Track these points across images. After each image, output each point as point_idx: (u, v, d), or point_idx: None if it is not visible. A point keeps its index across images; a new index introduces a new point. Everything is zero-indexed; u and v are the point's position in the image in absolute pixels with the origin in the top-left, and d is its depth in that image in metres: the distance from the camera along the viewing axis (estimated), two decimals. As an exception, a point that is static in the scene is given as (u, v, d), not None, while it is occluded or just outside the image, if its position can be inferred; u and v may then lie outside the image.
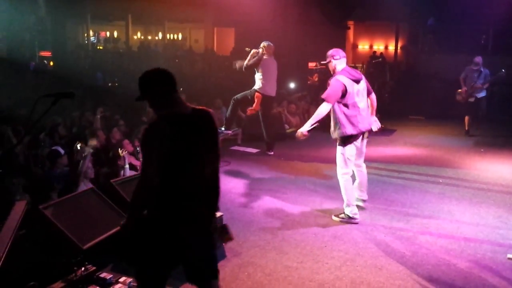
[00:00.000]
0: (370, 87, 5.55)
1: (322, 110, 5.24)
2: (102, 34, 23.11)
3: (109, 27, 22.81)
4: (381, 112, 11.27)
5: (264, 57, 8.26)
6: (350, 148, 5.39)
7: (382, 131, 10.84)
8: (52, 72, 15.10)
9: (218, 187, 3.15)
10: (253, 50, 8.36)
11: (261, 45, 8.36)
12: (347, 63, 5.47)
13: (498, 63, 11.71)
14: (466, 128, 10.74)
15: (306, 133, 5.44)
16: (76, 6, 17.16)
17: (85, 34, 21.13)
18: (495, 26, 16.38)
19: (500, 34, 16.65)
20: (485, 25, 16.38)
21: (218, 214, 4.86)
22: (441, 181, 7.17)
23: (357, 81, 5.26)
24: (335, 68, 5.38)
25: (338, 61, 5.35)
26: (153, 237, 2.95)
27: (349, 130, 5.29)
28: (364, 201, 5.87)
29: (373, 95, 5.63)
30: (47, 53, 17.70)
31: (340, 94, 5.17)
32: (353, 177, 5.74)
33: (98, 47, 21.76)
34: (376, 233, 5.21)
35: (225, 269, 4.36)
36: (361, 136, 5.43)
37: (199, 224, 3.01)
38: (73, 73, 14.46)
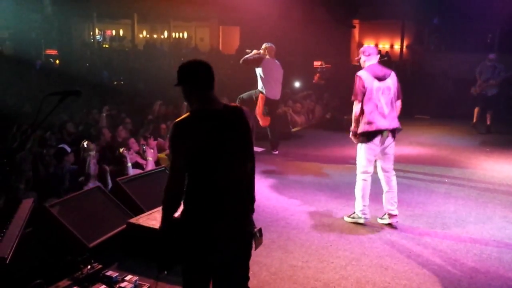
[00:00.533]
0: (399, 93, 5.31)
1: (355, 110, 5.22)
2: (108, 32, 23.15)
3: (115, 26, 22.84)
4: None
5: (266, 57, 8.26)
6: (369, 147, 5.23)
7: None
8: (58, 71, 15.15)
9: (253, 187, 3.01)
10: (254, 51, 8.37)
11: (263, 46, 8.35)
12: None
13: (505, 62, 11.66)
14: (474, 120, 10.87)
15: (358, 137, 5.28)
16: (82, 5, 17.21)
17: (91, 33, 21.18)
18: (501, 25, 16.31)
19: (507, 33, 16.57)
20: (492, 23, 16.32)
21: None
22: (446, 180, 7.15)
23: (379, 79, 5.14)
24: (364, 64, 5.31)
25: (367, 57, 5.26)
26: (187, 239, 2.79)
27: (364, 127, 5.17)
28: (392, 216, 5.36)
29: (399, 103, 5.34)
30: (53, 52, 17.77)
31: (362, 90, 5.14)
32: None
33: (104, 46, 21.81)
34: (382, 233, 5.20)
35: (230, 268, 4.37)
36: (380, 136, 5.17)
37: (233, 225, 2.82)
38: (79, 71, 14.51)
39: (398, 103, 5.32)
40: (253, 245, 3.00)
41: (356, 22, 19.64)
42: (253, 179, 3.01)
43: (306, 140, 10.04)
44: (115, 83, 14.47)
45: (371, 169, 5.34)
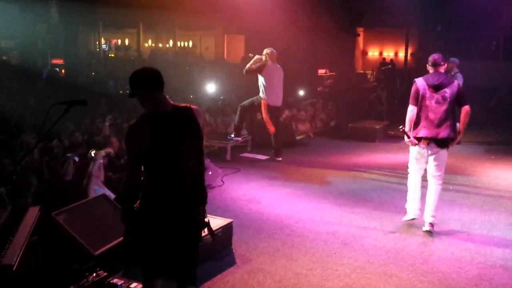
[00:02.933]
0: (462, 100, 5.24)
1: (408, 113, 5.42)
2: (114, 41, 23.32)
3: (120, 35, 23.02)
4: (391, 118, 11.30)
5: (268, 63, 8.29)
6: (414, 150, 5.46)
7: (391, 138, 10.92)
8: (64, 80, 15.27)
9: (202, 181, 3.31)
10: (257, 56, 8.40)
11: (264, 52, 8.37)
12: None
13: (510, 69, 11.66)
14: None
15: (413, 140, 5.39)
16: (88, 14, 17.35)
17: (97, 42, 21.34)
18: (506, 31, 16.35)
19: (511, 40, 16.61)
20: (496, 30, 16.36)
21: (227, 220, 4.91)
22: (451, 188, 7.13)
23: (434, 87, 5.21)
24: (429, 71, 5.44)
25: (429, 66, 5.39)
26: (144, 231, 3.19)
27: (413, 132, 5.35)
28: (429, 224, 5.36)
29: (465, 108, 5.24)
30: (59, 61, 17.90)
31: (415, 94, 5.32)
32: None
33: (109, 55, 21.97)
34: (386, 241, 5.20)
35: (234, 275, 4.39)
36: (426, 143, 5.28)
37: (183, 219, 3.22)
38: (85, 80, 14.62)
39: (463, 109, 5.26)
40: (204, 232, 3.44)
41: (360, 30, 19.73)
42: (202, 172, 3.30)
43: (310, 148, 10.05)
44: (121, 92, 14.56)
45: (415, 170, 5.55)
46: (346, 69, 18.17)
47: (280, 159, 8.63)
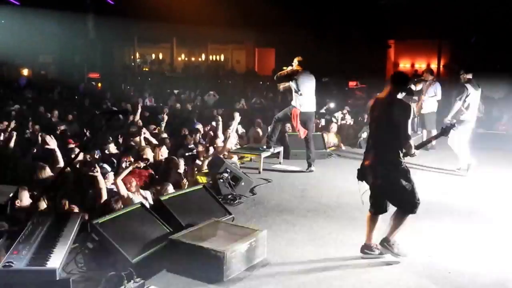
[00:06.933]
0: None
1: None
2: (148, 56, 23.82)
3: (154, 49, 23.49)
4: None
5: (299, 70, 8.37)
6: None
7: (423, 149, 10.75)
8: (100, 93, 15.68)
9: (394, 150, 4.83)
10: (290, 67, 8.54)
11: (295, 60, 8.46)
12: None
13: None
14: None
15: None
16: (124, 30, 17.83)
17: (132, 56, 21.84)
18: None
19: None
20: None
21: (261, 230, 4.97)
22: (488, 204, 6.99)
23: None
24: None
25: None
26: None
27: None
28: None
29: None
30: (95, 75, 18.37)
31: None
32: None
33: (144, 69, 22.45)
34: (420, 253, 5.16)
35: (269, 286, 4.43)
36: None
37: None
38: (120, 93, 14.98)
39: None
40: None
41: (391, 42, 19.63)
42: (398, 144, 4.81)
43: (342, 160, 10.01)
44: (155, 104, 14.87)
45: None
46: (377, 81, 18.07)
47: (313, 170, 8.64)
